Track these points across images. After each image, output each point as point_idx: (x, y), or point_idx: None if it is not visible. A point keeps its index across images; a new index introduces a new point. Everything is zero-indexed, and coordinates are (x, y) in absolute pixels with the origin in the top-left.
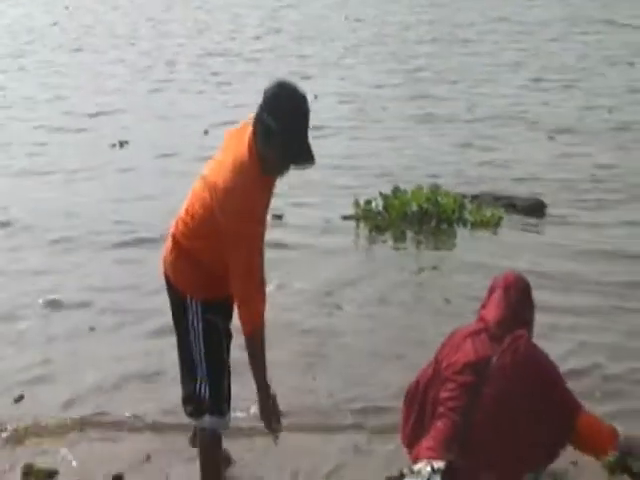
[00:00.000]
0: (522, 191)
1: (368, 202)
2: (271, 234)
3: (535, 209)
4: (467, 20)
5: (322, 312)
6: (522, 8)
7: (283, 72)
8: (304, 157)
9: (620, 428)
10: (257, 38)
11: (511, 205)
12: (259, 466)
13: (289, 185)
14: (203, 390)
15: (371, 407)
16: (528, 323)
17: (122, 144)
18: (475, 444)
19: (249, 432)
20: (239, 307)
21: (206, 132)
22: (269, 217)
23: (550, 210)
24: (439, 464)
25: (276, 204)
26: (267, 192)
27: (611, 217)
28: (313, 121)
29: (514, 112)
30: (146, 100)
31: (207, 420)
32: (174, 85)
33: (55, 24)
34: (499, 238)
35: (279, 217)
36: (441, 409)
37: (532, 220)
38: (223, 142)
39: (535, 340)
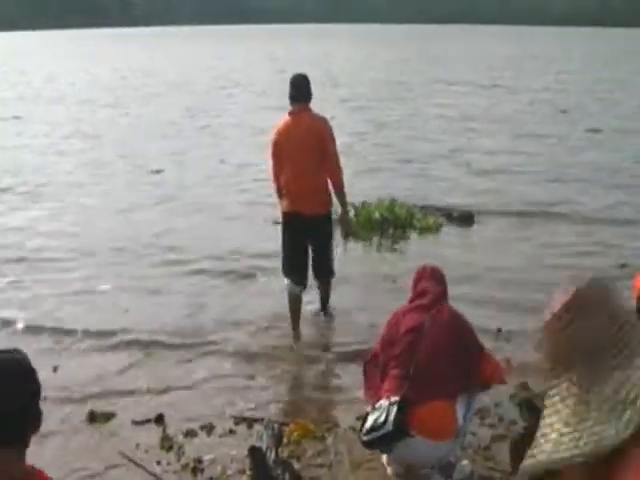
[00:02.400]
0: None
1: None
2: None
3: (466, 218)
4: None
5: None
6: None
7: None
8: None
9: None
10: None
11: (449, 214)
12: None
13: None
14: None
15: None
16: (446, 296)
17: None
18: (420, 379)
19: None
20: (338, 176)
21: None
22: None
23: (477, 219)
24: (395, 398)
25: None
26: None
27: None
28: None
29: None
30: None
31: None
32: None
33: None
34: (439, 238)
35: (277, 223)
36: (393, 362)
37: (464, 226)
38: (281, 136)
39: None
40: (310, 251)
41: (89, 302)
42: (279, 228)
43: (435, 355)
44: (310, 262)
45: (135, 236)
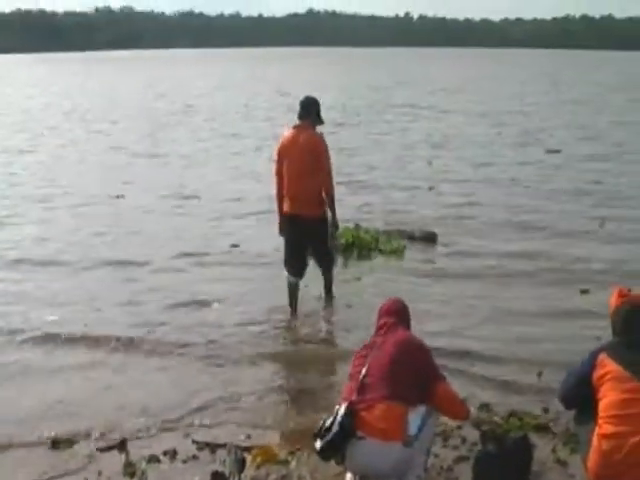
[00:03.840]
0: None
1: None
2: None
3: (429, 239)
4: None
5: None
6: None
7: None
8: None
9: None
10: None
11: (411, 237)
12: None
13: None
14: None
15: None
16: (407, 322)
17: None
18: (368, 385)
19: None
20: (329, 187)
21: None
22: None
23: (440, 240)
24: (343, 406)
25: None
26: None
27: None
28: None
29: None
30: None
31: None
32: None
33: None
34: (402, 261)
35: (236, 246)
36: (351, 375)
37: (427, 247)
38: (284, 147)
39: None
40: (310, 247)
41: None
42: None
43: (384, 364)
44: (311, 256)
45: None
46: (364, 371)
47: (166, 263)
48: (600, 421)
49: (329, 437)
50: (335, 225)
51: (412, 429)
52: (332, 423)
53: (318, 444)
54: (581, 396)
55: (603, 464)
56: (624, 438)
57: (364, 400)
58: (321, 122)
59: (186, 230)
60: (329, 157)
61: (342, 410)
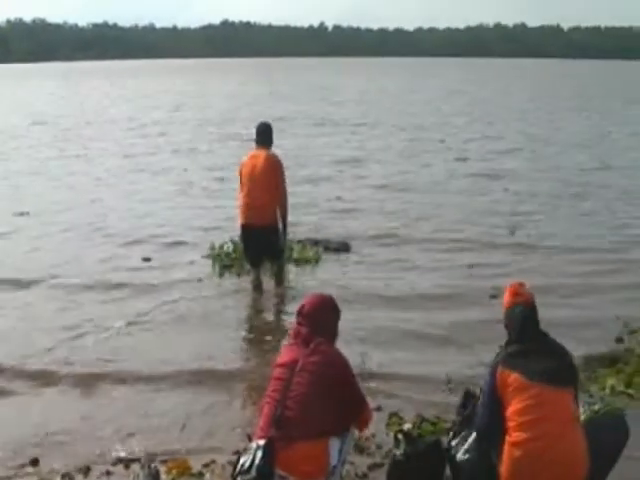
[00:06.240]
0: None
1: (222, 246)
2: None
3: (343, 248)
4: None
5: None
6: None
7: None
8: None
9: None
10: None
11: (326, 246)
12: None
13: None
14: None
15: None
16: (331, 330)
17: None
18: (288, 420)
19: None
20: (284, 201)
21: None
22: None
23: (354, 249)
24: (261, 442)
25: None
26: None
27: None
28: None
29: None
30: None
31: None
32: None
33: None
34: (317, 269)
35: (148, 259)
36: (266, 399)
37: (341, 256)
38: (245, 166)
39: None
40: (263, 247)
41: None
42: None
43: (305, 396)
44: (264, 253)
45: None
46: (283, 402)
47: None
48: (509, 430)
49: (247, 479)
50: (284, 233)
51: (334, 459)
52: (250, 466)
53: None
54: (497, 423)
55: (515, 470)
56: (532, 442)
57: (284, 437)
58: (272, 143)
59: None
60: (284, 175)
61: (260, 453)
